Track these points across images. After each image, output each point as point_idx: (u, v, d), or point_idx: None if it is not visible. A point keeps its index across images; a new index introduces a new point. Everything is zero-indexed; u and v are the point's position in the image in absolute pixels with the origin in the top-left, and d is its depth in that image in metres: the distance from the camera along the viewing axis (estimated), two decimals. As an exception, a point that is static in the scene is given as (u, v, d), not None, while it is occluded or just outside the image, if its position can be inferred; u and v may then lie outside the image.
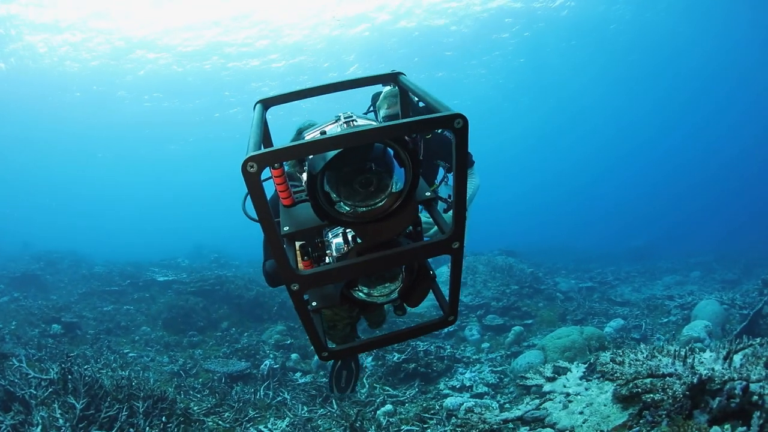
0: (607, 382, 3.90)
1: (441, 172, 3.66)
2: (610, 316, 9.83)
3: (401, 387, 6.68)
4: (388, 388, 6.65)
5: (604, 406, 3.35)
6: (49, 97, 22.73)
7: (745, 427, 2.31)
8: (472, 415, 3.87)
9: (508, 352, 7.93)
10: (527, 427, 3.39)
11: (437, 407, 5.75)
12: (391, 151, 1.20)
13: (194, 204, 48.46)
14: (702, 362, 3.04)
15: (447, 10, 19.71)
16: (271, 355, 7.82)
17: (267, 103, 1.56)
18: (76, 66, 20.54)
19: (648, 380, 2.78)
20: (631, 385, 3.27)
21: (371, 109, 4.12)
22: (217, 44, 20.31)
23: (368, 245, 1.30)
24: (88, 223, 42.26)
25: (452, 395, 6.32)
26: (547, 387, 3.99)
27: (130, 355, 7.77)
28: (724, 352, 3.13)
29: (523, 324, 9.12)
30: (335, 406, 5.84)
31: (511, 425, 3.50)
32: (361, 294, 1.42)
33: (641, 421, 2.68)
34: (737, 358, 3.04)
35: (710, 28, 24.59)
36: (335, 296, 1.41)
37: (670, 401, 2.49)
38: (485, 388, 6.65)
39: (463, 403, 5.69)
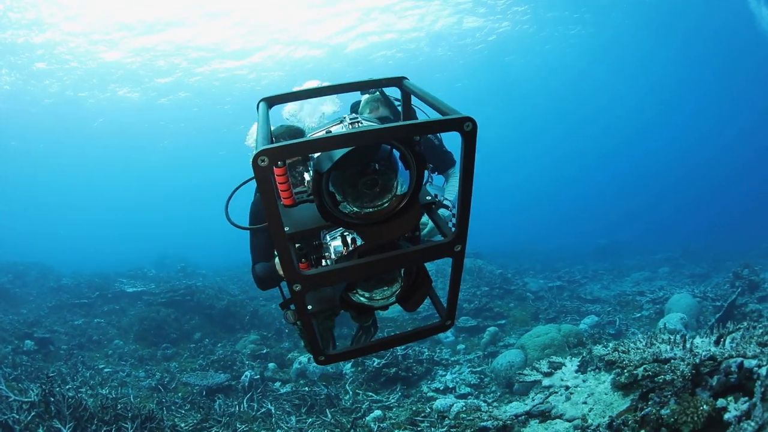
0: (603, 372, 4.21)
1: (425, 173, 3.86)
2: (582, 313, 10.33)
3: (383, 392, 6.82)
4: (371, 393, 6.77)
5: (606, 394, 3.63)
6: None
7: (746, 398, 2.61)
8: (478, 413, 4.08)
9: (485, 353, 8.20)
10: (536, 420, 3.63)
11: (427, 410, 5.89)
12: (397, 153, 1.23)
13: (156, 212, 48.74)
14: (697, 346, 3.36)
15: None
16: (248, 365, 7.84)
17: (270, 102, 1.61)
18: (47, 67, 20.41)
19: (654, 364, 3.07)
20: (636, 370, 3.58)
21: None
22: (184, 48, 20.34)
23: (370, 247, 1.35)
24: (48, 230, 42.08)
25: (438, 397, 6.49)
26: (545, 382, 4.26)
27: (106, 370, 7.73)
28: (715, 337, 3.47)
29: (496, 324, 9.43)
30: (329, 416, 5.94)
31: (522, 419, 3.73)
32: (361, 298, 1.45)
33: (650, 402, 2.96)
34: (728, 341, 3.39)
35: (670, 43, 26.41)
36: (334, 299, 1.43)
37: (680, 380, 2.77)
38: (467, 389, 6.90)
39: (452, 405, 5.84)
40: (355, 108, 4.27)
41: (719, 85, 35.44)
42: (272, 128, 2.75)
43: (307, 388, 6.90)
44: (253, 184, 2.91)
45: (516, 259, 18.12)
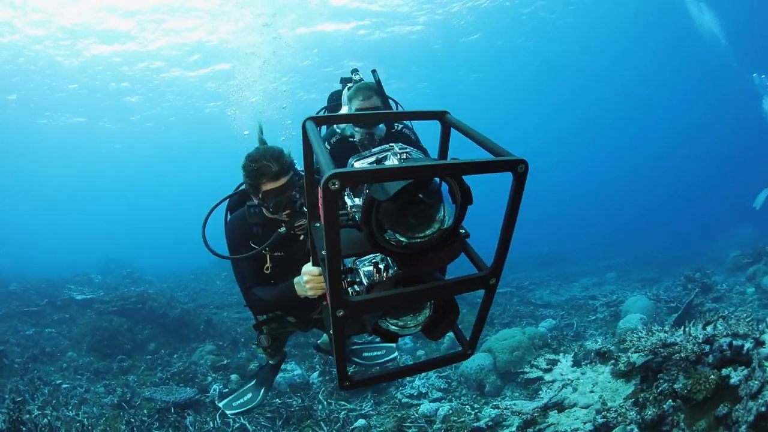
0: (598, 365, 4.87)
1: None
2: (537, 317, 11.19)
3: (355, 400, 7.12)
4: (343, 402, 7.05)
5: (609, 383, 4.25)
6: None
7: (743, 366, 3.31)
8: (507, 410, 4.62)
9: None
10: (555, 411, 4.20)
11: (413, 415, 6.32)
12: (446, 186, 1.33)
13: (100, 216, 48.51)
14: (689, 332, 4.07)
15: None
16: (210, 378, 7.92)
17: (317, 122, 1.63)
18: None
19: (665, 348, 3.73)
20: (634, 358, 4.26)
21: (326, 106, 4.52)
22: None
23: (407, 276, 1.45)
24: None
25: (413, 403, 6.94)
26: (547, 377, 4.86)
27: (64, 386, 7.58)
28: (701, 325, 4.22)
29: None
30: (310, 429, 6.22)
31: (541, 411, 4.29)
32: (393, 327, 1.53)
33: (660, 381, 3.60)
34: (718, 325, 4.13)
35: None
36: (366, 326, 1.51)
37: (693, 356, 3.44)
38: (439, 393, 7.38)
39: (438, 409, 6.35)
40: (336, 97, 4.52)
41: (663, 94, 39.04)
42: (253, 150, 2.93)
43: (278, 400, 7.08)
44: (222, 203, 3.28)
45: (459, 267, 19.09)
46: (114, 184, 42.92)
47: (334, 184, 1.04)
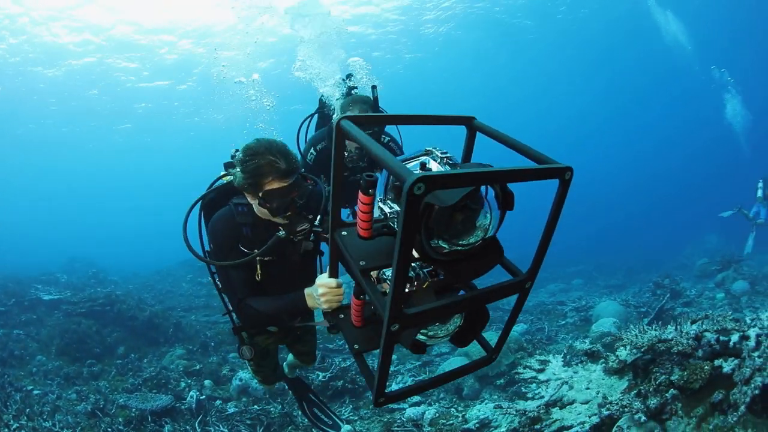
0: (589, 363, 5.33)
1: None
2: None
3: (333, 405, 7.31)
4: None
5: (603, 379, 4.68)
6: None
7: (732, 357, 3.81)
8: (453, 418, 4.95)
9: (419, 362, 9.09)
10: (556, 407, 4.60)
11: (400, 420, 6.63)
12: (492, 193, 1.39)
13: (62, 212, 48.80)
14: (680, 329, 4.56)
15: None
16: (183, 384, 7.98)
17: (355, 121, 1.53)
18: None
19: (661, 344, 4.21)
20: (624, 356, 4.74)
21: (319, 110, 4.74)
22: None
23: (446, 284, 1.57)
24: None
25: (394, 407, 7.18)
26: (541, 377, 5.28)
27: (35, 392, 7.55)
28: (689, 323, 4.72)
29: (421, 336, 10.54)
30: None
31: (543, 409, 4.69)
32: (421, 336, 1.60)
33: (656, 373, 4.06)
34: (696, 325, 4.63)
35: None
36: (406, 339, 1.53)
37: (689, 349, 3.92)
38: (417, 397, 7.74)
39: (424, 412, 6.68)
40: (322, 103, 4.70)
41: (630, 106, 40.91)
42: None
43: (256, 407, 7.23)
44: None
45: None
46: (74, 180, 42.46)
47: (420, 188, 1.02)
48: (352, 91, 4.43)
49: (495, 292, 1.49)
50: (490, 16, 24.37)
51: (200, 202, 3.06)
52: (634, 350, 4.72)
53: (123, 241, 42.46)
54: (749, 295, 11.18)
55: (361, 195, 1.48)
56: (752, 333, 3.92)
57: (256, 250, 2.80)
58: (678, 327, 4.32)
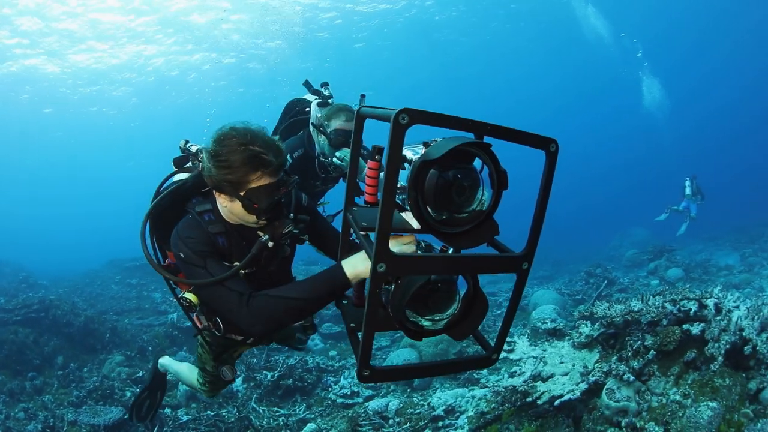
0: (555, 341, 6.14)
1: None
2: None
3: (286, 405, 7.76)
4: (275, 408, 7.65)
5: (574, 354, 5.41)
6: None
7: (696, 322, 4.72)
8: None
9: (365, 356, 9.84)
10: (539, 381, 5.30)
11: (364, 413, 7.10)
12: (486, 171, 1.54)
13: None
14: (646, 302, 5.45)
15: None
16: (128, 393, 8.07)
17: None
18: None
19: (630, 315, 5.07)
20: (590, 331, 5.58)
21: (296, 118, 4.82)
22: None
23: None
24: None
25: (350, 402, 7.74)
26: (512, 356, 6.01)
27: None
28: (651, 296, 5.63)
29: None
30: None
31: (529, 384, 5.38)
32: (425, 322, 1.74)
33: (630, 341, 4.90)
34: (659, 298, 5.55)
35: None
36: (396, 316, 1.66)
37: (662, 317, 4.79)
38: (369, 391, 8.11)
39: (387, 404, 7.22)
40: (298, 104, 4.85)
41: (557, 100, 43.44)
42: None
43: (210, 412, 7.47)
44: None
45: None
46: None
47: (404, 118, 1.28)
48: (329, 101, 4.56)
49: (491, 261, 1.65)
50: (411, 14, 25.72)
51: (150, 209, 2.71)
52: (597, 325, 5.60)
53: (48, 243, 41.51)
54: (684, 281, 12.62)
55: (369, 161, 1.75)
56: (710, 302, 4.85)
57: (236, 263, 2.50)
58: (644, 299, 5.20)
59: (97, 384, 8.30)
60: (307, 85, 4.83)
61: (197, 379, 3.87)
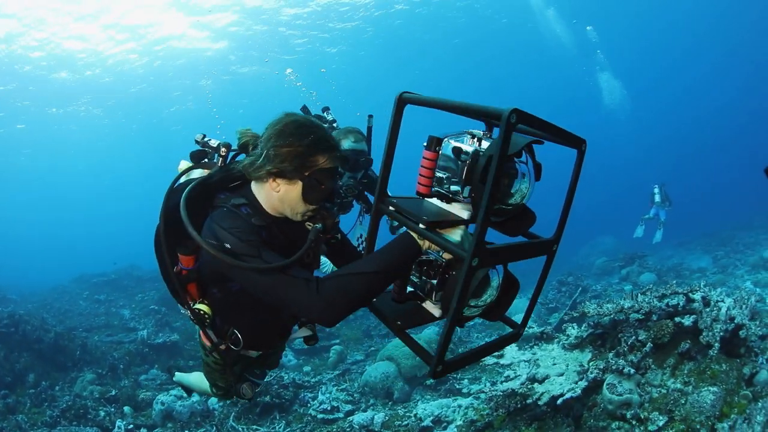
0: (543, 344, 6.36)
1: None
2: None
3: (264, 422, 7.75)
4: (255, 426, 7.65)
5: (566, 355, 5.65)
6: None
7: (688, 315, 5.01)
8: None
9: (338, 371, 9.82)
10: (536, 383, 5.47)
11: (348, 427, 7.24)
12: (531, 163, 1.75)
13: None
14: (636, 298, 5.72)
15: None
16: (102, 412, 8.03)
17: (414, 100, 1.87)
18: None
19: (622, 312, 5.34)
20: (579, 333, 5.84)
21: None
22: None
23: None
24: None
25: (331, 417, 7.79)
26: (502, 361, 6.23)
27: None
28: (639, 294, 5.90)
29: (330, 344, 11.11)
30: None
31: (527, 385, 5.57)
32: (466, 309, 1.96)
33: (624, 337, 5.14)
34: (647, 296, 5.84)
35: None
36: (459, 307, 1.68)
37: (655, 313, 5.08)
38: (349, 406, 8.29)
39: (372, 417, 7.33)
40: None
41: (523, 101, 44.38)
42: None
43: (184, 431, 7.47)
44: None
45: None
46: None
47: (513, 118, 1.41)
48: (333, 125, 4.64)
49: (529, 247, 1.90)
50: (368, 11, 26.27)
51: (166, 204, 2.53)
52: (584, 327, 5.89)
53: (15, 257, 40.09)
54: (657, 285, 13.10)
55: (426, 152, 1.80)
56: (697, 296, 5.15)
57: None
58: (633, 297, 5.48)
59: (70, 403, 8.23)
60: (305, 110, 4.79)
61: (211, 389, 3.66)
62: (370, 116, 4.42)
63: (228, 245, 2.20)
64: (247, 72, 29.74)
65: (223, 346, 2.85)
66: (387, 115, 1.87)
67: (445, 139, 1.84)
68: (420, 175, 1.84)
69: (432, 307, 2.13)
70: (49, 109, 28.82)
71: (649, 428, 4.18)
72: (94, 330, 12.95)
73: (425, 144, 1.78)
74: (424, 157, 1.80)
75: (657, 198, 15.21)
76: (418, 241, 1.99)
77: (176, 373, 4.60)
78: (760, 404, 3.87)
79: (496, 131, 1.67)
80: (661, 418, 4.21)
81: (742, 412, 3.93)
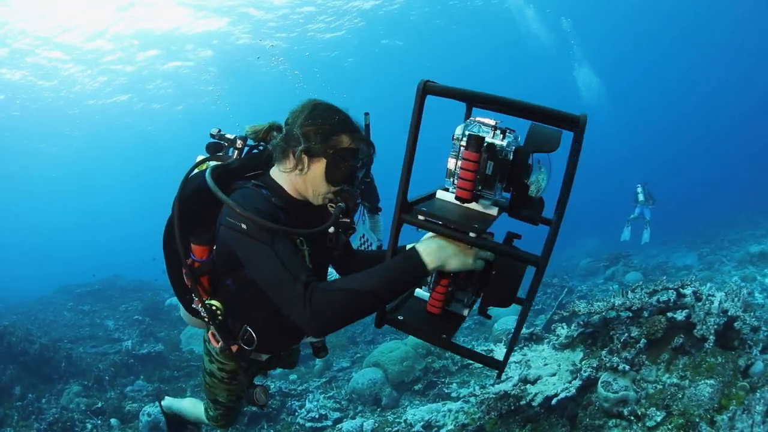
0: (533, 345, 6.38)
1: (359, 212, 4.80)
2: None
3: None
4: None
5: (557, 355, 5.68)
6: None
7: (680, 310, 5.05)
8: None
9: (325, 379, 9.83)
10: (528, 384, 5.49)
11: None
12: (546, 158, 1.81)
13: None
14: (626, 295, 5.76)
15: None
16: (89, 425, 7.98)
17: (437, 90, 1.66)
18: None
19: (613, 310, 5.37)
20: (570, 332, 5.87)
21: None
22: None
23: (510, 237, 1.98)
24: None
25: (320, 426, 7.82)
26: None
27: None
28: (629, 291, 5.94)
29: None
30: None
31: (519, 386, 5.57)
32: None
33: (617, 334, 5.16)
34: (637, 293, 5.88)
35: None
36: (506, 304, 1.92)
37: (645, 310, 5.11)
38: (337, 413, 8.30)
39: (362, 424, 7.33)
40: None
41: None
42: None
43: None
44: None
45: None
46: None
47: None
48: None
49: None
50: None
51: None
52: (574, 326, 5.92)
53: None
54: (646, 283, 13.30)
55: (467, 152, 1.71)
56: (688, 291, 5.20)
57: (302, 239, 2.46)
58: (624, 294, 5.52)
59: (57, 416, 8.20)
60: None
61: (206, 413, 3.53)
62: (366, 114, 4.28)
63: (244, 226, 2.18)
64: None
65: (235, 347, 2.74)
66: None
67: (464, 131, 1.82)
68: (461, 178, 1.76)
69: (460, 309, 2.18)
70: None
71: (648, 424, 4.20)
72: (79, 341, 12.96)
73: (463, 144, 1.73)
74: (465, 158, 1.72)
75: (641, 197, 15.39)
76: (428, 262, 1.91)
77: (165, 397, 4.49)
78: (758, 395, 3.92)
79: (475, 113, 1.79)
80: (658, 413, 4.24)
81: (740, 403, 3.97)
